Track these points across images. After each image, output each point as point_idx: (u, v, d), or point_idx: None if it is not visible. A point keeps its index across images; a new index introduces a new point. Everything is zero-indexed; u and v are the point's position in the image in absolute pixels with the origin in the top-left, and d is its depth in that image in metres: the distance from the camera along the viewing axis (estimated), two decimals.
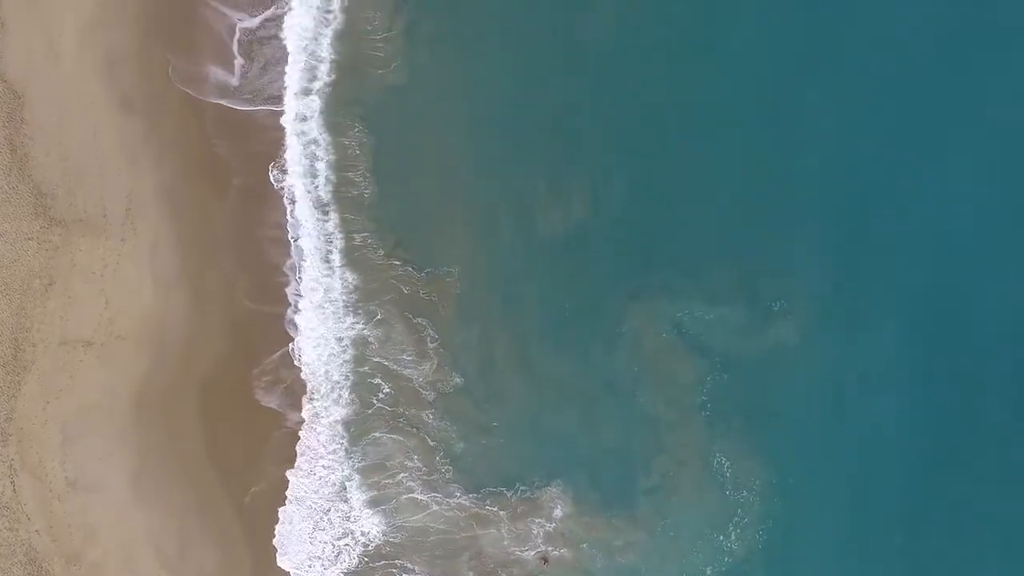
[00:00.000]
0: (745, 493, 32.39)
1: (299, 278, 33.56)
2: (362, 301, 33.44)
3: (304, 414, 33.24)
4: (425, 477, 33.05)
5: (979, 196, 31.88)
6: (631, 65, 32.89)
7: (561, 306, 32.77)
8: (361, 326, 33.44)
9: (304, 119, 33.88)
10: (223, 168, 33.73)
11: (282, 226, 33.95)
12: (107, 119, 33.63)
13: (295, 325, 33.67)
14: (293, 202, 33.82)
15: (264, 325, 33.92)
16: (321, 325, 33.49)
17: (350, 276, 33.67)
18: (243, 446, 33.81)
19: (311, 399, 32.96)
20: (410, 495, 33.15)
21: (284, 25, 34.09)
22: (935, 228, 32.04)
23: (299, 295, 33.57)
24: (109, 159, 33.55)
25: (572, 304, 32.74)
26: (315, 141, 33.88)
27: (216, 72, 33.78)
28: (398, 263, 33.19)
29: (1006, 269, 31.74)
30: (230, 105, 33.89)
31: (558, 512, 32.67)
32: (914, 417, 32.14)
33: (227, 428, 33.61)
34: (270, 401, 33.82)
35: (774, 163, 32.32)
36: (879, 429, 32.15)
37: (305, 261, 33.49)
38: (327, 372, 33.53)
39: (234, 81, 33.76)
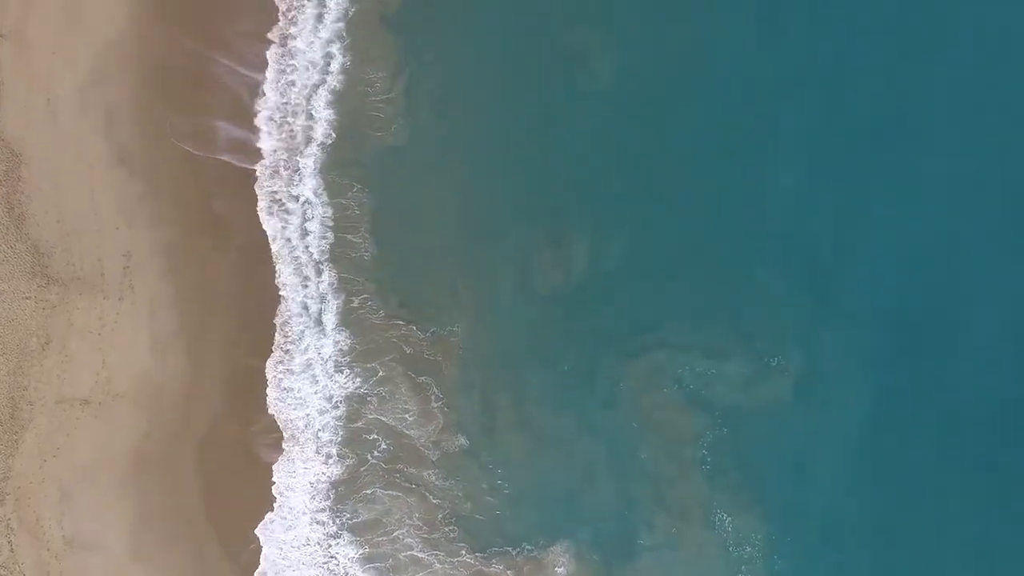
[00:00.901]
0: (748, 548, 32.19)
1: (288, 338, 33.43)
2: (358, 361, 33.22)
3: (277, 475, 32.85)
4: (426, 535, 32.84)
5: (982, 264, 31.93)
6: (629, 127, 33.16)
7: (564, 364, 32.73)
8: (356, 384, 33.26)
9: (294, 179, 33.75)
10: (221, 226, 33.68)
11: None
12: (105, 177, 33.62)
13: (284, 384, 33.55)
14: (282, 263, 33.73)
15: (263, 382, 33.74)
16: (310, 385, 33.22)
17: (345, 336, 33.39)
18: (241, 503, 33.61)
19: (289, 457, 32.84)
20: (409, 552, 32.91)
21: (283, 84, 34.08)
22: (930, 287, 32.12)
23: (287, 352, 33.45)
24: (107, 217, 33.47)
25: (574, 361, 32.74)
26: (308, 202, 33.70)
27: (213, 128, 33.73)
28: (401, 323, 33.14)
29: (1002, 331, 31.71)
30: (230, 161, 33.84)
31: (562, 571, 32.50)
32: (912, 470, 31.90)
33: (225, 485, 33.42)
34: (269, 458, 33.64)
35: (770, 223, 32.52)
36: (877, 484, 31.87)
37: (289, 323, 33.30)
38: (313, 429, 33.28)
39: (234, 134, 33.77)
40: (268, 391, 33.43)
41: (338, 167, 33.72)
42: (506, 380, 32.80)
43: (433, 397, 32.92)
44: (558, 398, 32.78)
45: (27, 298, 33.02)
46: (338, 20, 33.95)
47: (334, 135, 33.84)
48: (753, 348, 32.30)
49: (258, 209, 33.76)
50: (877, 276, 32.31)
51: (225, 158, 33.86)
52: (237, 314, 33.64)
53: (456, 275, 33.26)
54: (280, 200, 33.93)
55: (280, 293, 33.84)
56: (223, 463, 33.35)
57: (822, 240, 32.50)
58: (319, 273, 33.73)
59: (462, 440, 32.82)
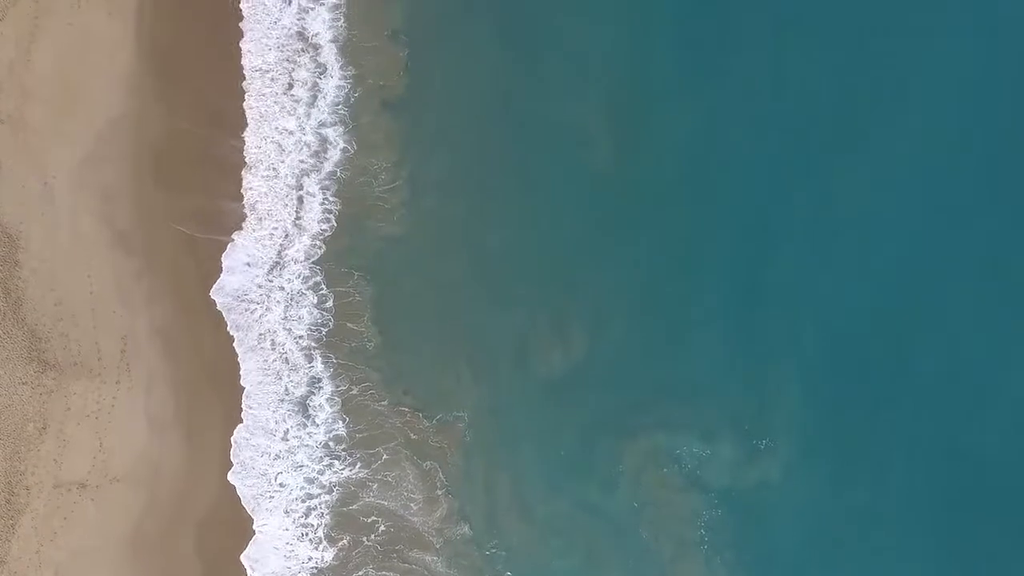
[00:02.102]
0: None
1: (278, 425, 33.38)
2: (357, 447, 33.23)
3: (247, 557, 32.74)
4: None
5: (973, 347, 32.28)
6: (626, 213, 33.47)
7: (566, 447, 32.94)
8: (355, 470, 33.24)
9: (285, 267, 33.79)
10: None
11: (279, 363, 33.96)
12: (101, 258, 33.62)
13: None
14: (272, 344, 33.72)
15: None
16: (295, 475, 33.21)
17: (342, 423, 33.38)
18: None
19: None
20: None
21: (282, 171, 34.20)
22: (916, 369, 32.59)
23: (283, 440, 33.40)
24: (103, 299, 33.44)
25: (576, 444, 33.00)
26: (299, 290, 33.70)
27: (209, 209, 33.81)
28: (406, 409, 33.13)
29: (996, 410, 32.17)
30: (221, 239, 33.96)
31: None
32: (901, 551, 32.22)
33: (224, 568, 33.24)
34: None
35: (760, 310, 33.11)
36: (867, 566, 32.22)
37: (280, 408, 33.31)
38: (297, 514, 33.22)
39: (230, 215, 33.82)
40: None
41: (338, 256, 33.78)
42: (511, 465, 32.88)
43: (438, 483, 32.87)
44: (561, 482, 32.84)
45: (24, 383, 32.89)
46: (338, 105, 33.90)
47: (334, 223, 33.80)
48: (744, 430, 32.61)
49: (245, 296, 33.65)
50: (869, 363, 32.85)
51: (222, 239, 33.84)
52: (233, 395, 33.57)
53: (460, 361, 33.33)
54: (272, 286, 33.73)
55: (268, 379, 33.70)
56: (221, 544, 33.19)
57: (812, 328, 32.97)
58: (309, 360, 33.52)
59: (465, 528, 32.83)
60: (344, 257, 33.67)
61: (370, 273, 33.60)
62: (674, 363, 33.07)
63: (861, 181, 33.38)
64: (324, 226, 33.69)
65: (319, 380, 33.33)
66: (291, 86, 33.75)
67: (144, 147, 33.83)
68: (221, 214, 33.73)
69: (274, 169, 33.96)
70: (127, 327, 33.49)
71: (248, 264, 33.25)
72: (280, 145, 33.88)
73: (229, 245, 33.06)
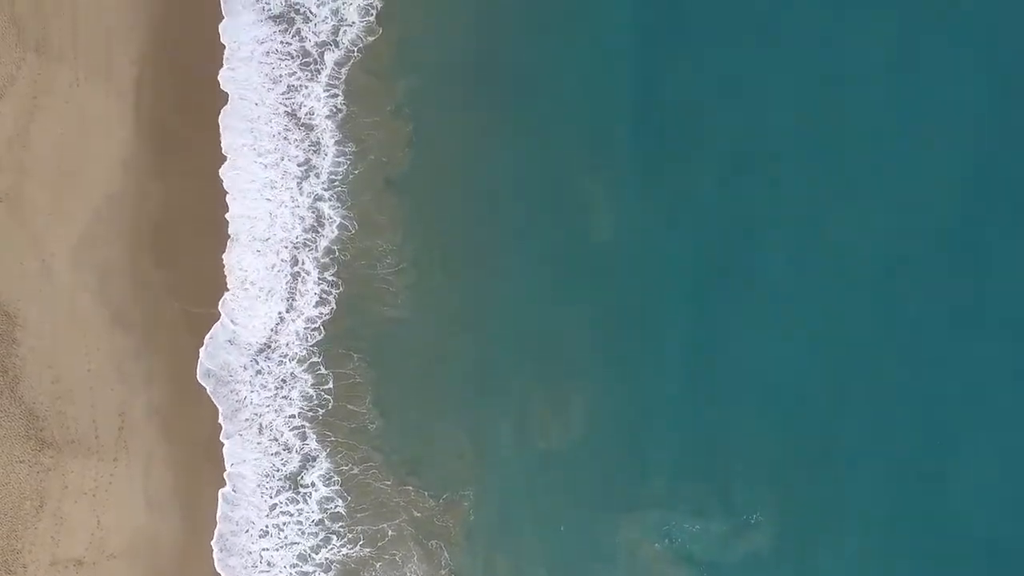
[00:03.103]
0: None
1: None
2: (358, 524, 33.53)
3: None
4: None
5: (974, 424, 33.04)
6: (622, 295, 33.83)
7: (565, 522, 33.43)
8: (354, 549, 33.52)
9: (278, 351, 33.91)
10: None
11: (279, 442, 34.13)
12: (99, 336, 33.72)
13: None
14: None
15: None
16: (286, 553, 33.35)
17: (340, 503, 33.51)
18: None
19: None
20: None
21: (277, 248, 34.30)
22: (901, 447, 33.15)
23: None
24: (101, 377, 33.57)
25: (575, 519, 33.46)
26: (293, 375, 33.75)
27: (209, 285, 33.91)
28: (411, 488, 33.30)
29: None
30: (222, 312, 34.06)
31: None
32: None
33: None
34: None
35: (750, 391, 33.54)
36: None
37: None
38: None
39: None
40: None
41: (337, 338, 33.71)
42: (514, 544, 33.32)
43: (443, 562, 33.19)
44: (561, 557, 33.39)
45: (21, 462, 32.99)
46: (335, 182, 33.93)
47: (333, 305, 33.73)
48: (734, 505, 33.12)
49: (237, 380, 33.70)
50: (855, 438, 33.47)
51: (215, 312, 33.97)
52: None
53: (464, 440, 33.55)
54: (262, 367, 33.84)
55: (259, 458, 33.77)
56: None
57: (802, 406, 33.51)
58: (303, 439, 33.69)
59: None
60: (344, 339, 33.59)
61: (372, 355, 33.55)
62: (668, 440, 33.50)
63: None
64: (323, 309, 33.51)
65: (314, 459, 33.28)
66: (283, 159, 33.59)
67: (142, 224, 33.89)
68: (219, 290, 33.75)
69: (265, 243, 33.74)
70: (125, 405, 33.63)
71: (231, 342, 33.22)
72: (272, 216, 33.68)
73: (214, 325, 33.08)
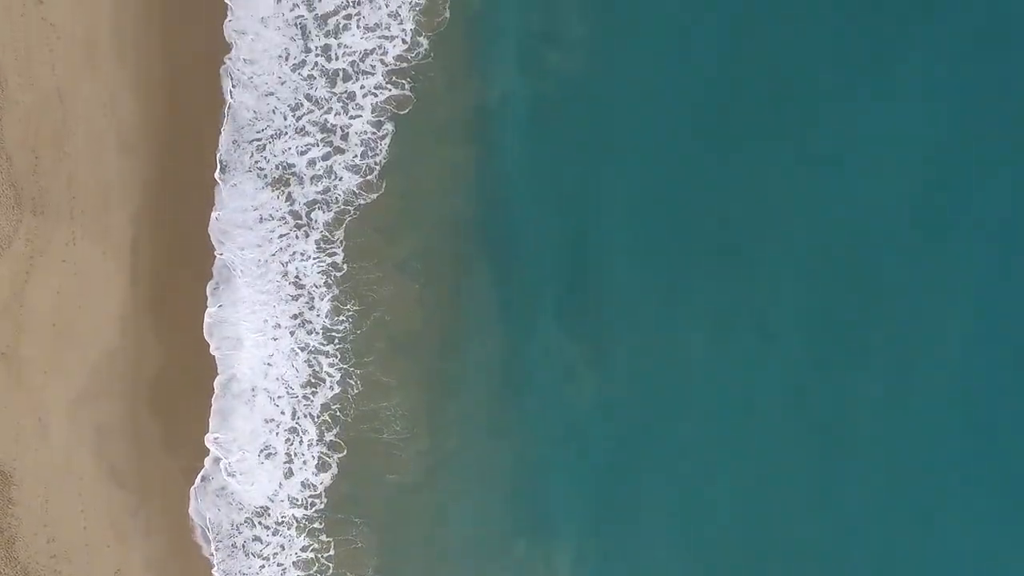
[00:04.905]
0: None
1: None
2: None
3: None
4: None
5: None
6: (614, 449, 33.75)
7: None
8: None
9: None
10: None
11: None
12: (96, 493, 33.66)
13: None
14: None
15: None
16: None
17: None
18: None
19: None
20: None
21: (276, 406, 34.05)
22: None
23: None
24: (97, 534, 33.53)
25: None
26: (290, 540, 33.46)
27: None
28: None
29: None
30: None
31: None
32: None
33: None
34: None
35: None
36: None
37: None
38: None
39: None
40: None
41: (338, 504, 33.44)
42: None
43: None
44: None
45: None
46: (335, 340, 33.61)
47: (335, 470, 33.45)
48: None
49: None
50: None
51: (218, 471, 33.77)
52: None
53: None
54: (255, 532, 33.59)
55: None
56: None
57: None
58: None
59: None
60: (346, 505, 33.34)
61: (376, 522, 33.27)
62: None
63: None
64: (324, 475, 33.21)
65: None
66: (279, 316, 33.30)
67: (139, 379, 33.81)
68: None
69: (263, 401, 33.50)
70: (121, 562, 33.61)
71: (228, 502, 33.01)
72: (268, 375, 33.52)
73: (210, 484, 32.86)
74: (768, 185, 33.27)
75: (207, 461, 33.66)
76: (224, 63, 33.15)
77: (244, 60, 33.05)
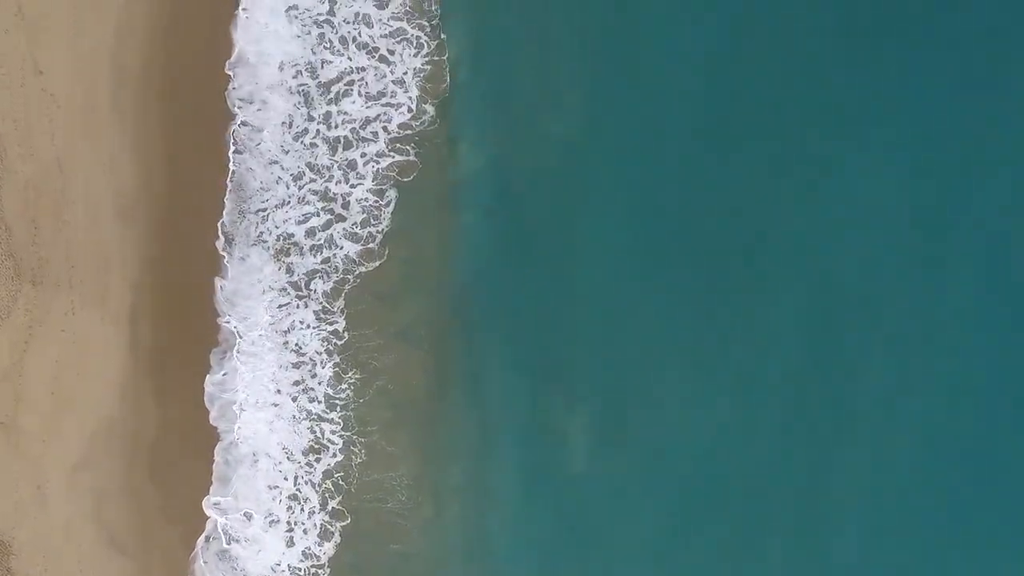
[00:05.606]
0: None
1: None
2: None
3: None
4: None
5: None
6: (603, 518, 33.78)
7: None
8: None
9: None
10: None
11: None
12: (96, 562, 33.63)
13: None
14: None
15: None
16: None
17: None
18: None
19: None
20: None
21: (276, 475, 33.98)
22: None
23: None
24: None
25: None
26: None
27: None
28: None
29: None
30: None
31: None
32: None
33: None
34: None
35: None
36: None
37: None
38: None
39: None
40: None
41: (343, 572, 33.40)
42: None
43: None
44: None
45: None
46: (336, 407, 33.54)
47: (338, 538, 33.31)
48: None
49: None
50: None
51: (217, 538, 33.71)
52: None
53: None
54: None
55: None
56: None
57: None
58: None
59: None
60: (348, 574, 33.27)
61: None
62: None
63: None
64: (327, 544, 33.20)
65: None
66: (279, 391, 33.24)
67: (138, 448, 33.68)
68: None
69: (265, 471, 33.44)
70: None
71: (231, 568, 32.95)
72: (269, 445, 33.41)
73: (209, 552, 32.82)
74: (755, 263, 33.69)
75: (207, 527, 33.46)
76: (227, 130, 32.91)
77: (248, 127, 32.82)
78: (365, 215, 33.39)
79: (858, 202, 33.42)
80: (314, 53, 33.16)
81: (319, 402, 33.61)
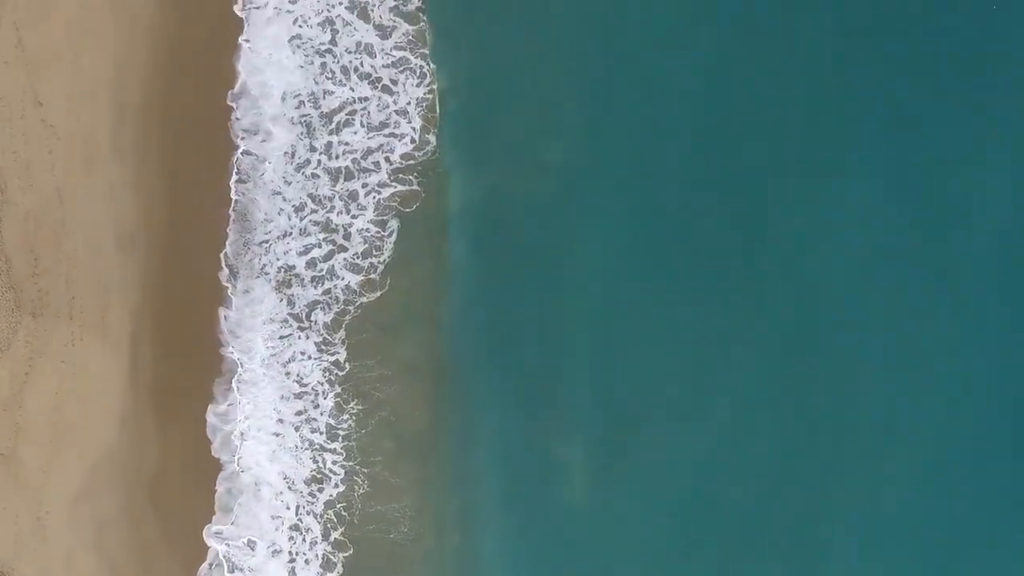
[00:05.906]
0: None
1: None
2: None
3: None
4: None
5: None
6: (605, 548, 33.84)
7: None
8: None
9: None
10: None
11: None
12: None
13: None
14: None
15: None
16: None
17: None
18: None
19: None
20: None
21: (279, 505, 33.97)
22: None
23: None
24: None
25: None
26: None
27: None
28: None
29: None
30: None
31: None
32: None
33: None
34: None
35: None
36: None
37: None
38: None
39: None
40: None
41: None
42: None
43: None
44: None
45: None
46: (337, 438, 33.54)
47: (340, 569, 33.29)
48: None
49: None
50: None
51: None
52: None
53: None
54: None
55: None
56: None
57: None
58: None
59: None
60: None
61: None
62: None
63: None
64: (329, 575, 33.21)
65: None
66: (281, 421, 33.21)
67: (139, 478, 33.64)
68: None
69: (261, 495, 33.40)
70: None
71: None
72: (271, 475, 33.38)
73: None
74: (752, 292, 33.80)
75: (209, 556, 33.44)
76: (228, 160, 32.77)
77: (251, 156, 32.69)
78: (367, 245, 33.32)
79: (856, 205, 33.40)
80: (316, 83, 33.02)
81: (321, 432, 33.56)
